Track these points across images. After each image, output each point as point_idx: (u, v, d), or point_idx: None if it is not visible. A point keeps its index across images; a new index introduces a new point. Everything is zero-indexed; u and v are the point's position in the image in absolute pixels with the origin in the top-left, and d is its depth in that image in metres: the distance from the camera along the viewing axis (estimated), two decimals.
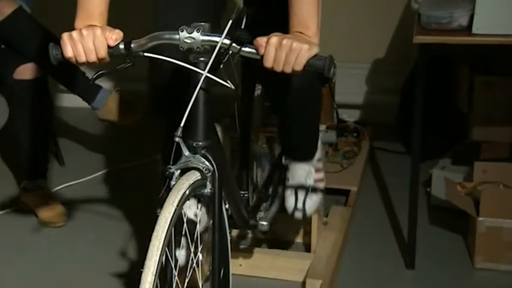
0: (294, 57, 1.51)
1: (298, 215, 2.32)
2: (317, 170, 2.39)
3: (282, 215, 2.44)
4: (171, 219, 1.50)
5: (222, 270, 1.84)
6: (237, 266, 2.38)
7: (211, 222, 1.80)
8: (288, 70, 1.53)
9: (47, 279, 2.60)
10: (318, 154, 2.46)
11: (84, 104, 2.98)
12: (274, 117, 2.52)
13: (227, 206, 1.88)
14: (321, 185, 2.41)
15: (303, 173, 2.35)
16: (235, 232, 2.52)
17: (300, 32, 1.60)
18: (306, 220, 2.46)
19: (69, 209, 2.96)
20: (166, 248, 1.51)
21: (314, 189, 2.36)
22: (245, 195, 2.40)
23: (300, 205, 2.33)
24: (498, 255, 2.46)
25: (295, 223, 2.62)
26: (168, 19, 2.02)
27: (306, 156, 2.39)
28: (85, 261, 2.68)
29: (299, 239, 2.62)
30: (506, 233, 2.45)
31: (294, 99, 2.19)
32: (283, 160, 2.43)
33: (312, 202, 2.34)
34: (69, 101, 3.30)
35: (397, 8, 3.43)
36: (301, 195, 2.34)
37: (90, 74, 2.81)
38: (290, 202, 2.34)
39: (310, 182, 2.37)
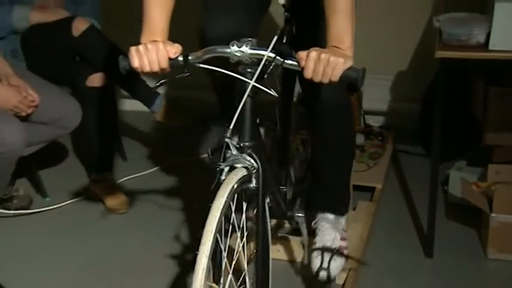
0: (331, 70, 1.51)
1: (323, 274, 2.25)
2: (342, 238, 2.33)
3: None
4: (222, 209, 1.50)
5: (263, 254, 1.83)
6: (276, 252, 2.37)
7: (255, 212, 1.79)
8: (326, 81, 1.52)
9: (110, 258, 2.61)
10: (343, 223, 2.40)
11: (144, 108, 3.00)
12: (307, 125, 2.45)
13: (268, 199, 1.85)
14: (345, 252, 2.35)
15: (329, 238, 2.29)
16: (274, 222, 2.49)
17: (336, 46, 1.58)
18: (331, 282, 2.34)
19: (130, 198, 2.98)
20: (218, 234, 1.51)
21: (339, 253, 2.30)
22: (283, 189, 2.37)
23: (325, 265, 2.26)
24: (509, 247, 2.44)
25: None
26: (218, 32, 1.99)
27: (336, 207, 2.33)
28: (144, 244, 2.70)
29: None
30: None
31: (327, 111, 2.17)
32: (313, 224, 2.38)
33: (336, 264, 2.27)
34: (130, 105, 3.33)
35: (419, 25, 3.41)
36: (326, 256, 2.27)
37: (150, 83, 2.88)
38: (316, 262, 2.28)
39: (336, 246, 2.31)
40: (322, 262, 2.24)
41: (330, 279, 2.25)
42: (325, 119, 2.18)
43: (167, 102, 2.99)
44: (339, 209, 2.32)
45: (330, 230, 2.29)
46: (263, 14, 2.24)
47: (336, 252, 2.27)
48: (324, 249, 2.27)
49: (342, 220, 2.33)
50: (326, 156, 2.28)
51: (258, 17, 2.20)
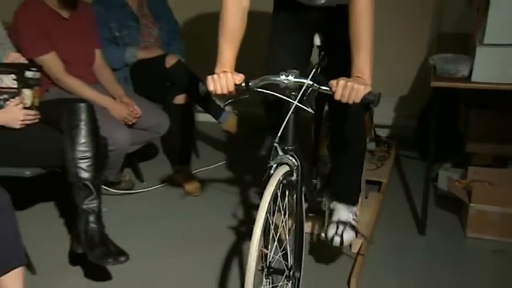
0: (355, 94, 1.53)
1: (337, 240, 2.21)
2: (353, 219, 2.29)
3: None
4: (271, 195, 1.55)
5: (299, 228, 1.85)
6: (307, 227, 2.38)
7: (294, 198, 1.79)
8: (350, 102, 1.54)
9: (187, 228, 2.64)
10: (357, 207, 2.37)
11: (213, 120, 3.02)
12: (330, 145, 2.42)
13: (304, 188, 1.86)
14: (356, 227, 2.29)
15: (344, 216, 2.27)
16: (306, 205, 2.45)
17: (359, 77, 1.60)
18: (342, 247, 2.30)
19: (202, 185, 2.98)
20: (268, 213, 1.55)
21: (351, 226, 2.26)
22: (314, 182, 2.36)
23: (339, 232, 2.22)
24: (482, 228, 2.45)
25: None
26: (276, 63, 2.03)
27: (350, 199, 2.30)
28: (212, 219, 2.70)
29: None
30: (489, 214, 2.42)
31: (349, 124, 2.15)
32: (331, 205, 2.33)
33: (349, 235, 2.22)
34: (204, 117, 3.35)
35: (418, 62, 3.40)
36: (341, 227, 2.23)
37: (219, 102, 2.93)
38: (331, 231, 2.23)
39: (349, 219, 2.27)
40: (336, 231, 2.22)
41: (342, 244, 2.22)
42: (346, 130, 2.15)
43: (231, 116, 2.99)
44: (352, 200, 2.29)
45: (345, 211, 2.27)
46: (309, 54, 2.22)
47: (348, 225, 2.25)
48: (339, 222, 2.25)
49: (354, 208, 2.31)
50: (343, 159, 2.25)
51: (305, 56, 2.19)
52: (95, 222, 2.16)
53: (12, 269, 1.92)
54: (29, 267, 2.19)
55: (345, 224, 2.24)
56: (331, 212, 2.31)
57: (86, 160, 2.15)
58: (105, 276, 2.28)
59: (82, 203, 2.15)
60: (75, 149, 2.14)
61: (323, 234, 2.28)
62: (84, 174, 2.14)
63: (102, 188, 2.30)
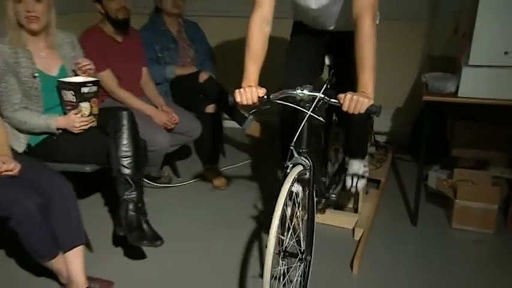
0: (360, 106, 1.54)
1: (353, 189, 2.32)
2: (364, 166, 2.36)
3: (343, 192, 2.43)
4: (287, 191, 1.55)
5: (311, 219, 1.85)
6: (317, 218, 2.32)
7: (307, 193, 1.81)
8: (356, 113, 1.55)
9: (215, 216, 2.64)
10: (366, 160, 2.41)
11: (238, 126, 3.01)
12: (342, 135, 2.48)
13: (315, 185, 1.86)
14: (367, 175, 2.37)
15: (356, 167, 2.32)
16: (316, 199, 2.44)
17: (363, 91, 1.60)
18: (357, 192, 2.45)
19: (228, 180, 2.98)
20: (284, 206, 1.55)
21: (362, 177, 2.33)
22: (324, 179, 2.35)
23: (354, 184, 2.31)
24: (466, 221, 2.45)
25: (349, 197, 2.59)
26: (293, 79, 2.01)
27: (360, 155, 2.34)
28: (236, 209, 2.69)
29: (351, 205, 2.60)
30: (471, 209, 2.41)
31: (356, 126, 2.21)
32: (346, 158, 2.38)
33: (361, 183, 2.32)
34: (230, 124, 3.29)
35: (412, 79, 3.39)
36: (355, 178, 2.31)
37: (243, 111, 2.97)
38: (349, 182, 2.32)
39: (360, 172, 2.33)
40: (352, 182, 2.30)
41: (357, 191, 2.34)
42: (352, 131, 2.23)
43: (253, 123, 2.98)
44: (362, 155, 2.33)
45: (357, 163, 2.32)
46: (320, 71, 2.24)
47: (360, 176, 2.31)
48: (353, 175, 2.31)
49: (364, 161, 2.35)
50: (354, 133, 2.28)
51: (317, 73, 2.21)
52: (133, 210, 2.16)
53: (75, 247, 1.97)
54: (88, 245, 2.22)
55: (358, 175, 2.31)
56: (347, 167, 2.36)
57: (127, 158, 2.15)
58: (144, 254, 2.31)
59: (123, 194, 2.16)
60: (118, 149, 2.14)
61: (341, 186, 2.38)
62: (125, 171, 2.15)
63: (142, 181, 2.30)
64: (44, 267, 1.99)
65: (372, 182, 2.81)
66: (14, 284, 2.13)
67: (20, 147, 2.24)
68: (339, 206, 2.60)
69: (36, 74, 2.19)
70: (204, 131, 2.86)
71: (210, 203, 2.80)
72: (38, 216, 1.84)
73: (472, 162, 2.66)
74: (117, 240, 2.36)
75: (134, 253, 2.30)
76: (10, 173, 1.90)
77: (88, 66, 2.29)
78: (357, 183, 2.32)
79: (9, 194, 1.82)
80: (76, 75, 2.30)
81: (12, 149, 2.18)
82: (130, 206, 2.16)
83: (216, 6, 3.65)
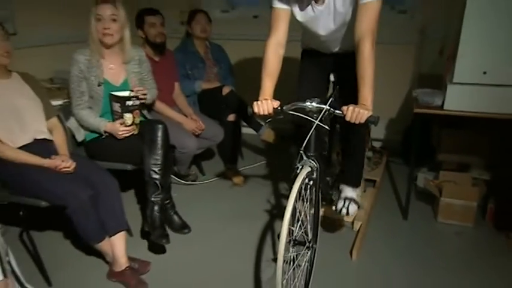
0: (360, 117, 1.53)
1: (344, 211, 2.21)
2: (357, 196, 2.28)
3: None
4: (298, 189, 1.56)
5: (317, 213, 1.86)
6: (322, 212, 2.36)
7: (313, 191, 1.79)
8: (357, 122, 1.54)
9: (235, 210, 2.62)
10: (359, 191, 2.33)
11: (254, 132, 2.97)
12: (341, 149, 2.40)
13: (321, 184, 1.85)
14: (359, 202, 2.27)
15: (349, 194, 2.26)
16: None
17: (364, 104, 1.59)
18: (348, 216, 2.29)
19: (245, 179, 2.97)
20: (297, 205, 1.59)
21: (354, 201, 2.24)
22: (328, 180, 2.31)
23: (346, 205, 2.22)
24: (449, 216, 2.45)
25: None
26: (303, 94, 1.96)
27: (353, 183, 2.27)
28: (253, 204, 2.67)
29: None
30: (454, 206, 2.41)
31: (356, 136, 2.18)
32: (340, 185, 2.29)
33: (352, 208, 2.22)
34: (247, 130, 3.20)
35: (403, 94, 3.36)
36: (347, 201, 2.23)
37: (259, 120, 2.95)
38: (340, 204, 2.23)
39: (354, 196, 2.26)
40: (344, 204, 2.22)
41: (347, 214, 2.21)
42: (353, 140, 2.19)
43: (268, 130, 2.96)
44: (356, 184, 2.27)
45: (350, 190, 2.26)
46: (326, 87, 2.20)
47: (352, 200, 2.24)
48: (346, 198, 2.24)
49: (357, 189, 2.29)
50: (351, 156, 2.25)
51: (323, 88, 2.18)
52: (158, 211, 2.15)
53: (119, 232, 2.01)
54: (129, 231, 2.24)
55: (350, 199, 2.24)
56: (340, 192, 2.29)
57: (158, 166, 2.14)
58: (172, 239, 2.26)
59: (151, 196, 2.15)
60: (151, 157, 2.14)
61: (334, 207, 2.26)
62: (155, 176, 2.13)
63: (169, 185, 2.29)
64: (93, 248, 2.02)
65: (368, 181, 2.79)
66: (69, 262, 2.16)
67: (79, 138, 2.31)
68: (330, 221, 2.53)
69: (102, 83, 2.23)
70: (225, 137, 2.85)
71: (230, 198, 2.79)
72: (88, 205, 1.88)
73: (455, 165, 2.64)
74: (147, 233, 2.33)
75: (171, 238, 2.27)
76: (68, 169, 1.96)
77: (143, 92, 2.29)
78: (348, 206, 2.23)
79: (66, 186, 1.87)
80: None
81: (73, 139, 2.26)
82: (156, 207, 2.15)
83: (237, 31, 3.64)
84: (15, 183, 1.93)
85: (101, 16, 2.13)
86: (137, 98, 2.24)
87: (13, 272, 1.67)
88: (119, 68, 2.30)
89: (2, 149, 1.91)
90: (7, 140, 1.94)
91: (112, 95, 2.23)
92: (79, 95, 2.23)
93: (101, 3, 2.15)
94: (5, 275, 1.57)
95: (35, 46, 2.70)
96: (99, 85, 2.22)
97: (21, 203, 1.91)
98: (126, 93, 2.24)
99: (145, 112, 2.46)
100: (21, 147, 1.97)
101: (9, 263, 1.64)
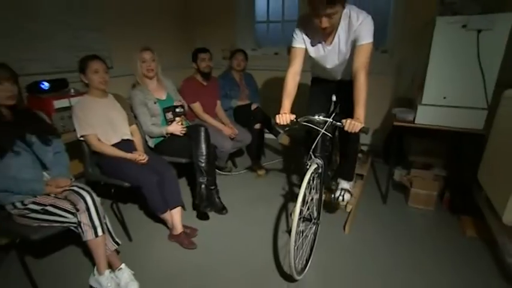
0: (355, 128, 1.51)
1: (341, 199, 2.19)
2: (350, 188, 2.25)
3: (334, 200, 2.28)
4: (308, 180, 1.57)
5: (320, 198, 1.85)
6: (324, 197, 2.18)
7: (318, 181, 1.78)
8: (353, 132, 1.52)
9: (258, 195, 2.57)
10: (352, 184, 2.27)
11: (273, 137, 2.91)
12: (339, 152, 2.31)
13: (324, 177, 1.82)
14: (351, 192, 2.24)
15: (345, 186, 2.23)
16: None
17: (357, 118, 1.55)
18: (342, 203, 2.23)
19: (267, 172, 2.92)
20: (307, 191, 1.59)
21: (349, 192, 2.22)
22: (329, 173, 2.30)
23: (342, 194, 2.19)
24: (416, 202, 2.42)
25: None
26: (313, 110, 1.91)
27: (348, 178, 2.24)
28: (272, 191, 2.63)
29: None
30: (421, 195, 2.39)
31: (351, 142, 2.14)
32: (338, 180, 2.22)
33: (347, 196, 2.20)
34: (268, 136, 3.16)
35: (385, 111, 3.29)
36: (343, 191, 2.20)
37: (278, 128, 2.92)
38: (337, 193, 2.20)
39: (348, 187, 2.24)
40: (340, 193, 2.20)
41: (343, 201, 2.19)
42: (349, 144, 2.15)
43: (284, 136, 2.89)
44: (349, 178, 2.24)
45: (345, 183, 2.24)
46: (330, 105, 2.10)
47: (347, 191, 2.22)
48: (342, 189, 2.22)
49: (351, 182, 2.26)
50: (346, 158, 2.20)
51: (327, 106, 2.10)
52: (204, 190, 2.19)
53: (176, 207, 2.05)
54: (183, 207, 2.25)
55: (345, 190, 2.23)
56: (337, 185, 2.27)
57: (202, 156, 2.16)
58: (213, 215, 2.30)
59: (198, 179, 2.18)
60: (197, 150, 2.16)
61: (333, 196, 2.25)
62: (201, 164, 2.16)
63: (213, 171, 2.27)
64: (159, 217, 2.07)
65: (358, 175, 2.68)
66: (143, 226, 2.19)
67: (151, 144, 2.36)
68: (330, 204, 2.46)
69: (156, 101, 2.28)
70: (252, 140, 2.83)
71: (255, 185, 2.75)
72: (156, 187, 1.93)
73: (421, 165, 2.57)
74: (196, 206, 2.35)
75: (210, 216, 2.30)
76: (143, 161, 2.03)
77: (182, 102, 2.36)
78: (343, 195, 2.19)
79: (142, 173, 1.93)
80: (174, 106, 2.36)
81: (147, 145, 2.32)
82: (202, 186, 2.19)
83: (263, 63, 3.62)
84: (109, 169, 2.00)
85: (144, 59, 2.23)
86: (182, 107, 2.30)
87: (108, 229, 1.77)
88: (159, 88, 2.34)
89: (102, 146, 1.99)
90: (104, 140, 2.01)
91: (165, 108, 2.29)
92: (145, 117, 2.26)
93: (144, 51, 2.22)
94: (103, 232, 1.68)
95: (123, 75, 2.76)
96: (155, 103, 2.26)
97: (112, 183, 1.96)
98: (174, 104, 2.30)
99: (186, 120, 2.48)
100: (113, 145, 2.03)
101: (106, 223, 1.75)
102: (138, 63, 2.22)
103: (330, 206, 2.39)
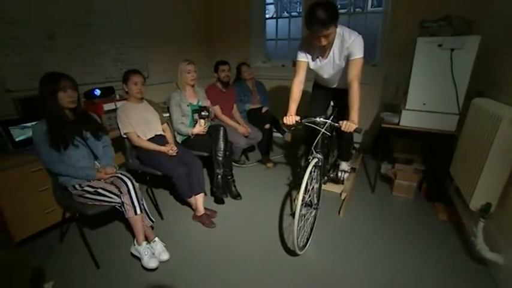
0: (350, 128, 1.52)
1: (341, 177, 2.24)
2: (347, 168, 2.27)
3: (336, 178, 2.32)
4: (310, 172, 1.59)
5: (320, 187, 1.86)
6: (323, 186, 2.32)
7: (318, 173, 1.77)
8: (348, 131, 1.52)
9: (266, 184, 2.52)
10: (350, 163, 2.32)
11: (280, 136, 2.94)
12: (336, 148, 2.32)
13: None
14: (349, 171, 2.29)
15: (343, 167, 2.25)
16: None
17: (352, 120, 1.56)
18: (343, 181, 2.33)
19: (274, 164, 2.86)
20: (308, 181, 1.60)
21: (346, 172, 2.25)
22: (327, 166, 2.23)
23: (343, 174, 2.24)
24: (399, 191, 2.38)
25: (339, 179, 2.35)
26: (313, 110, 1.98)
27: (346, 159, 2.27)
28: (278, 180, 2.58)
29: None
30: (403, 185, 2.36)
31: (346, 139, 2.16)
32: (338, 161, 2.31)
33: (346, 175, 2.24)
34: (276, 134, 3.23)
35: (373, 115, 3.22)
36: (343, 172, 2.24)
37: (284, 128, 2.90)
38: (339, 174, 2.25)
39: (347, 169, 2.26)
40: (341, 174, 2.24)
41: (342, 179, 2.22)
42: (344, 140, 2.17)
43: (288, 134, 2.92)
44: (347, 158, 2.25)
45: (344, 164, 2.25)
46: (327, 110, 2.12)
47: (346, 171, 2.25)
48: (341, 170, 2.25)
49: (348, 162, 2.26)
50: (343, 147, 2.22)
51: (326, 109, 2.11)
52: (220, 179, 2.19)
53: (200, 193, 2.08)
54: (205, 193, 2.24)
55: (344, 171, 2.26)
56: (338, 166, 2.24)
57: (220, 151, 2.16)
58: (228, 201, 2.30)
59: (216, 169, 2.17)
60: (216, 146, 2.16)
61: (336, 175, 2.25)
62: (219, 158, 2.16)
63: (230, 164, 2.26)
64: (185, 201, 2.10)
65: (351, 169, 2.62)
66: (173, 207, 2.22)
67: (180, 140, 2.35)
68: (334, 181, 2.49)
69: (188, 104, 2.30)
70: (262, 138, 2.78)
71: (264, 175, 2.71)
72: (184, 176, 1.97)
73: (403, 160, 2.54)
74: (214, 192, 2.33)
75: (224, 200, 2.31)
76: (173, 153, 2.06)
77: (209, 107, 2.32)
78: (343, 175, 2.25)
79: (172, 164, 1.97)
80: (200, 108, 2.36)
81: (175, 141, 2.30)
82: (219, 177, 2.18)
83: (271, 74, 3.55)
84: (145, 160, 2.05)
85: (189, 70, 2.24)
86: (207, 110, 2.30)
87: (145, 209, 1.81)
88: (193, 94, 2.35)
89: (140, 141, 2.04)
90: (142, 136, 2.05)
91: (194, 110, 2.30)
92: (177, 116, 2.27)
93: (190, 64, 2.24)
94: (141, 210, 1.75)
95: (156, 83, 2.83)
96: (188, 105, 2.28)
97: (147, 171, 2.00)
98: (201, 106, 2.31)
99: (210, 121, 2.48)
100: (148, 139, 2.06)
101: (143, 204, 1.81)
102: (183, 73, 2.23)
103: (337, 181, 2.42)
